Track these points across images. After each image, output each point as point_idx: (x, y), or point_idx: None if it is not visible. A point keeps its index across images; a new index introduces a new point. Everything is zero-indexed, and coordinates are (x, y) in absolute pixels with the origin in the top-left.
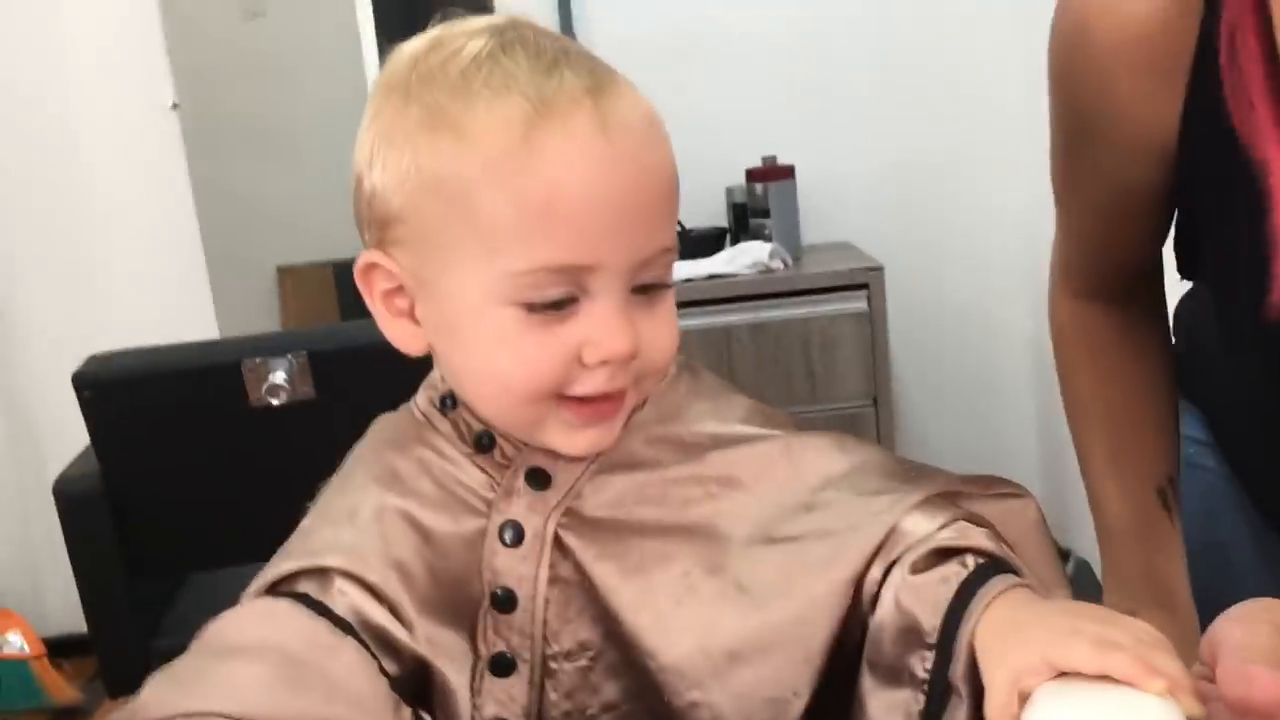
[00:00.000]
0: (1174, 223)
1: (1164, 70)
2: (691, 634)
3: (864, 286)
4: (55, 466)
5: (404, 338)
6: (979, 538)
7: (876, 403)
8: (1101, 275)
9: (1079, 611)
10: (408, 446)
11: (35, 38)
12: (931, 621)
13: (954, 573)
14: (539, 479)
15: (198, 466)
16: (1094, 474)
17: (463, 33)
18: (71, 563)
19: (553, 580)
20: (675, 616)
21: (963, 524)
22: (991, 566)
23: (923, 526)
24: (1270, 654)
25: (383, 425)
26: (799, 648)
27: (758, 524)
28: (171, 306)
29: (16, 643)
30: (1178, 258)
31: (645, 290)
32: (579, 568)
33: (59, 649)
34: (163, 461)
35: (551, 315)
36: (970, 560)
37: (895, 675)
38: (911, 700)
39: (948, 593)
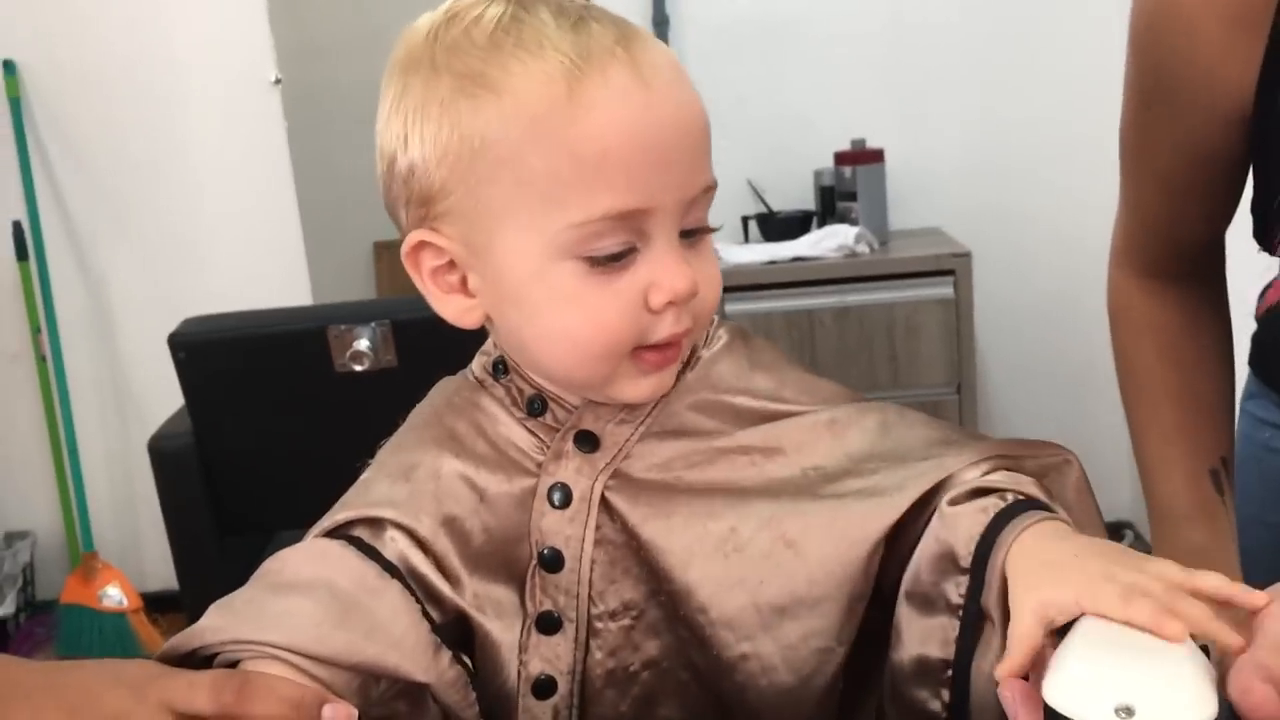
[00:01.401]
0: (1251, 192)
1: (1249, 20)
2: (742, 589)
3: (950, 273)
4: (152, 426)
5: (458, 312)
6: (1022, 482)
7: (960, 390)
8: (1163, 252)
9: (1113, 555)
10: (465, 409)
11: (142, 12)
12: (967, 548)
13: (991, 504)
14: (588, 441)
15: (284, 428)
16: (1148, 453)
17: (475, 2)
18: (165, 519)
19: (598, 542)
20: (725, 572)
21: (1007, 472)
22: (1029, 502)
23: (968, 474)
24: None
25: (442, 387)
26: (843, 599)
27: (802, 486)
28: (269, 277)
29: (116, 596)
30: (1255, 225)
31: (690, 235)
32: (626, 528)
33: (155, 604)
34: (251, 422)
35: (612, 267)
36: (1010, 495)
37: (931, 603)
38: (948, 626)
39: (984, 520)
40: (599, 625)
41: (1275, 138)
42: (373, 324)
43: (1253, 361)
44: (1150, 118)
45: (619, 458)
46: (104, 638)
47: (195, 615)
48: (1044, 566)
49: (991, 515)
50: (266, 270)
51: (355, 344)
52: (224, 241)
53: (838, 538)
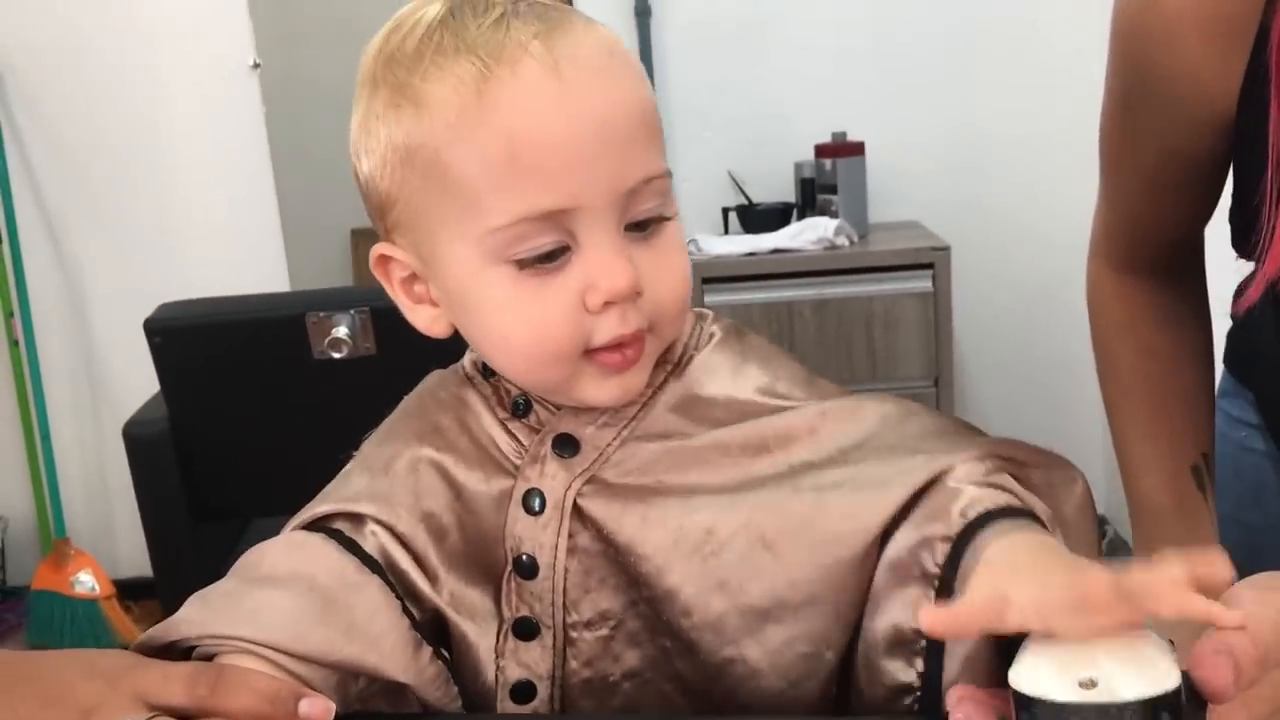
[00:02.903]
0: (1231, 197)
1: (1232, 32)
2: (723, 593)
3: (929, 266)
4: (127, 412)
5: (427, 322)
6: (1027, 497)
7: (938, 383)
8: (1142, 248)
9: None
10: (451, 404)
11: None
12: (956, 519)
13: (992, 496)
14: (568, 445)
15: (261, 415)
16: (1129, 448)
17: (419, 6)
18: (139, 505)
19: (572, 550)
20: (705, 575)
21: (1010, 479)
22: (1025, 512)
23: (967, 469)
24: (1273, 625)
25: (432, 381)
26: (829, 605)
27: (785, 481)
28: (246, 263)
29: (88, 582)
30: (1233, 235)
31: (642, 227)
32: (601, 535)
33: (128, 591)
34: (228, 409)
35: (544, 269)
36: (1005, 499)
37: (907, 569)
38: (920, 597)
39: (982, 502)
40: (574, 635)
41: (1255, 150)
42: (351, 311)
43: (1227, 360)
44: (1130, 118)
45: (598, 463)
46: (76, 624)
47: (168, 602)
48: (1024, 563)
49: (989, 505)
50: (243, 257)
51: (334, 331)
52: (201, 227)
53: (815, 539)
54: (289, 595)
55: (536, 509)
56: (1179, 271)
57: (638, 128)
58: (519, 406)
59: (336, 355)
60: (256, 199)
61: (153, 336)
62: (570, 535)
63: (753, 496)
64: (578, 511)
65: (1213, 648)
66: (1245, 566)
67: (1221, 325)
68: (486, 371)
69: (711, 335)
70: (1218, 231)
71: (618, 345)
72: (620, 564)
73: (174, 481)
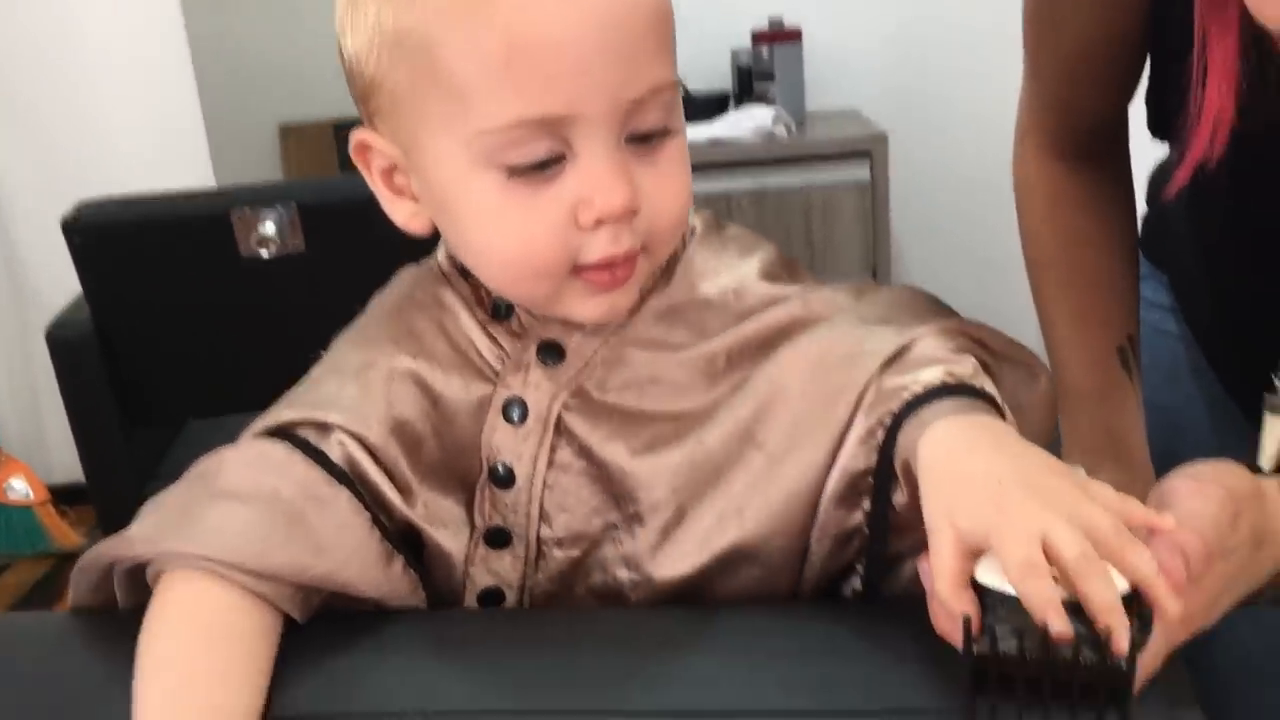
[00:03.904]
0: (1148, 79)
1: None
2: (714, 492)
3: (867, 154)
4: (51, 313)
5: (406, 217)
6: (982, 377)
7: (876, 273)
8: (1067, 133)
9: (1039, 480)
10: (427, 305)
11: None
12: (902, 398)
13: (939, 373)
14: (552, 352)
15: (189, 315)
16: (1056, 333)
17: None
18: (67, 409)
19: (552, 464)
20: (694, 480)
21: (972, 360)
22: (977, 391)
23: (931, 342)
24: (1216, 519)
25: (407, 279)
26: (808, 492)
27: (768, 387)
28: (167, 160)
29: (20, 488)
30: (1149, 116)
31: (645, 139)
32: (584, 450)
33: (63, 496)
34: (154, 309)
35: (537, 178)
36: (957, 377)
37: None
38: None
39: (927, 381)
40: (546, 550)
41: (1171, 31)
42: (278, 207)
43: (1143, 244)
44: (1050, 2)
45: (583, 373)
46: (11, 531)
47: (104, 507)
48: (961, 482)
49: (936, 381)
50: (165, 153)
51: (260, 228)
52: (118, 122)
53: (799, 426)
54: (252, 510)
55: (517, 419)
56: (1104, 154)
57: (647, 32)
58: (500, 309)
59: (265, 253)
60: (175, 92)
61: (71, 237)
62: (552, 449)
63: (739, 401)
64: (560, 425)
65: (1164, 545)
66: (1165, 446)
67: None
68: (465, 270)
69: (693, 230)
70: (1135, 115)
71: (608, 265)
72: (602, 482)
73: (102, 385)
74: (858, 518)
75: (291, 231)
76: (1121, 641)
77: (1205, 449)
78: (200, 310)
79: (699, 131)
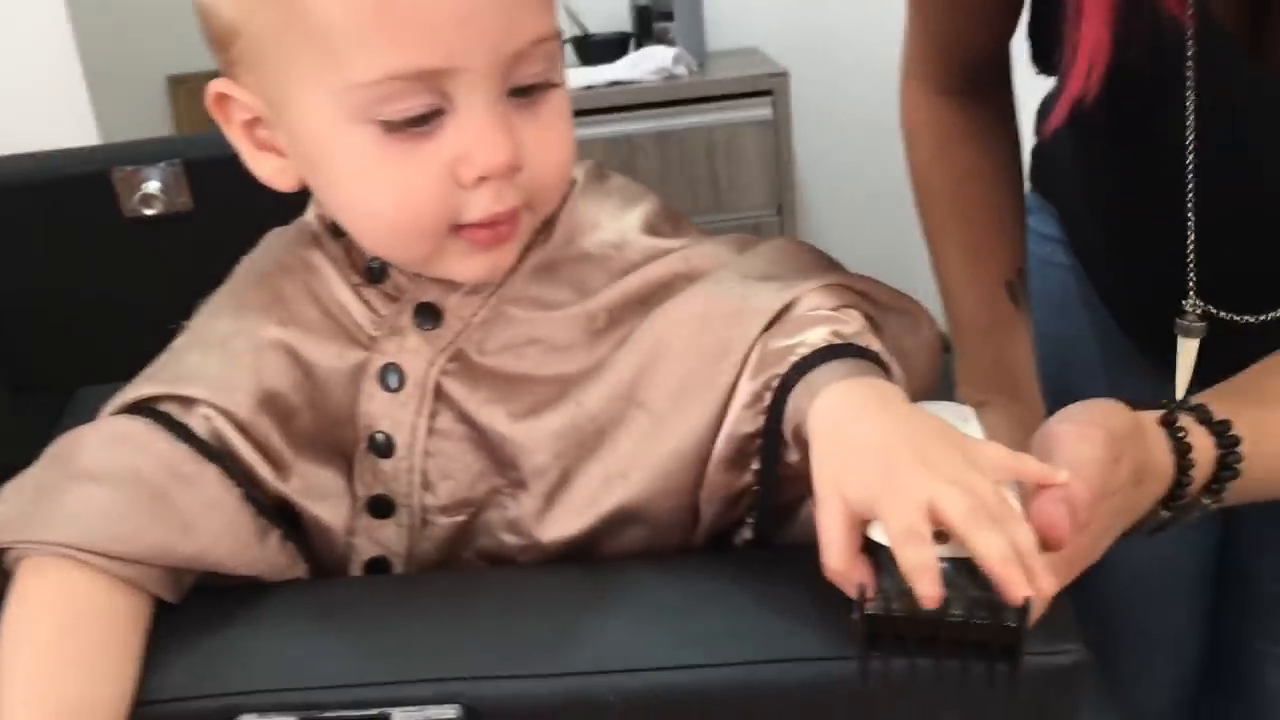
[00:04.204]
0: (1029, 12)
1: None
2: (596, 460)
3: (769, 93)
4: None
5: (272, 173)
6: (866, 333)
7: (781, 211)
8: (952, 70)
9: (926, 445)
10: (295, 269)
11: None
12: (788, 363)
13: (824, 335)
14: (430, 315)
15: (72, 279)
16: (947, 269)
17: None
18: None
19: (432, 431)
20: (578, 445)
21: (855, 314)
22: (863, 351)
23: (817, 299)
24: (1099, 464)
25: (273, 242)
26: (695, 453)
27: (651, 345)
28: (46, 116)
29: None
30: (1031, 51)
31: (526, 92)
32: (464, 416)
33: None
34: (37, 274)
35: (415, 134)
36: (843, 338)
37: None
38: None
39: (811, 345)
40: (430, 518)
41: None
42: (162, 164)
43: (1033, 177)
44: None
45: (462, 335)
46: None
47: None
48: (849, 451)
49: (822, 343)
50: (43, 110)
51: (144, 186)
52: None
53: (684, 386)
54: (112, 492)
55: (394, 385)
56: (989, 90)
57: None
58: (373, 271)
59: (149, 212)
60: (52, 43)
61: None
62: (431, 415)
63: (620, 360)
64: (439, 391)
65: (1050, 498)
66: (1057, 378)
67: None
68: (336, 230)
69: (573, 182)
70: (1020, 49)
71: (490, 223)
72: (484, 448)
73: None
74: (747, 479)
75: (177, 188)
76: (1014, 598)
77: (1096, 379)
78: (85, 273)
79: (599, 74)
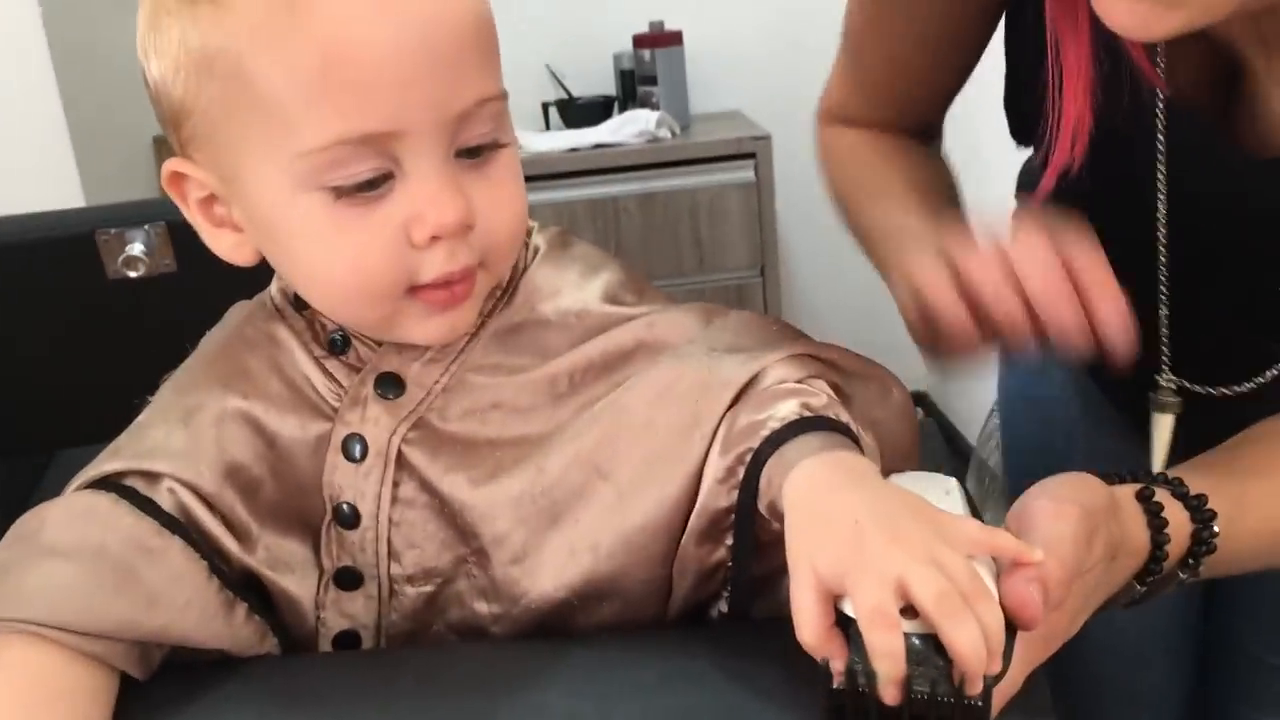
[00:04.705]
0: (1005, 85)
1: None
2: (557, 528)
3: (751, 156)
4: None
5: (230, 248)
6: (833, 404)
7: (764, 272)
8: (883, 121)
9: (901, 521)
10: (259, 342)
11: None
12: (759, 437)
13: (793, 408)
14: (392, 385)
15: (55, 341)
16: (881, 247)
17: None
18: None
19: (396, 500)
20: (536, 516)
21: (822, 384)
22: (833, 423)
23: (783, 372)
24: (1074, 541)
25: (237, 316)
26: (664, 526)
27: (615, 404)
28: (33, 178)
29: None
30: (1010, 123)
31: (475, 153)
32: (426, 485)
33: None
34: (19, 335)
35: (366, 198)
36: (811, 410)
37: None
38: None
39: (780, 421)
40: (398, 588)
41: (1025, 37)
42: (146, 226)
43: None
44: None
45: (424, 404)
46: None
47: None
48: (822, 525)
49: (793, 417)
50: (29, 170)
51: (128, 249)
52: None
53: (648, 461)
54: (77, 568)
55: (357, 455)
56: (918, 137)
57: (471, 42)
58: (336, 343)
59: (133, 274)
60: (40, 107)
61: None
62: (394, 484)
63: (583, 428)
64: (401, 459)
65: (1023, 577)
66: (1039, 440)
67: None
68: (299, 303)
69: (536, 249)
70: (1001, 116)
71: (445, 283)
72: (447, 516)
73: None
74: (720, 553)
75: (161, 250)
76: (975, 686)
77: (1076, 439)
78: (68, 334)
79: (584, 136)
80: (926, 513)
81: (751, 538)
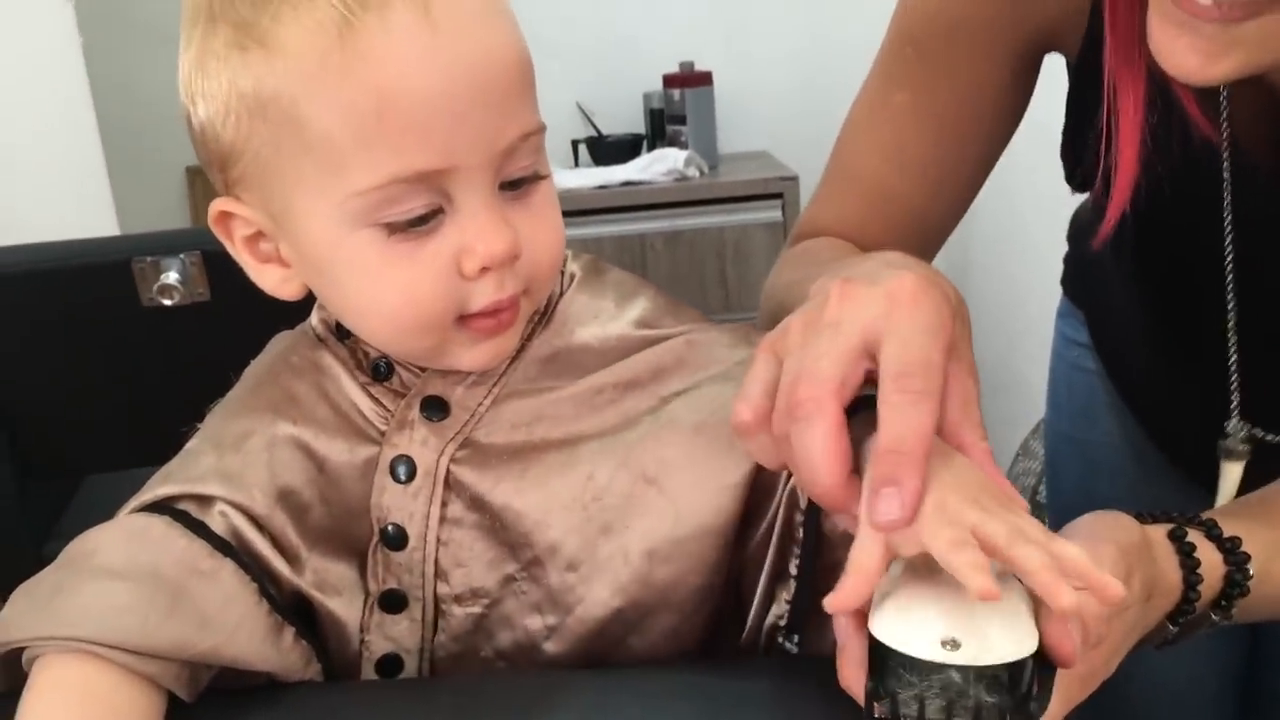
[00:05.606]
0: (1062, 135)
1: None
2: (609, 536)
3: (779, 196)
4: None
5: (276, 283)
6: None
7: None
8: (882, 233)
9: (971, 490)
10: (305, 369)
11: None
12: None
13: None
14: (437, 408)
15: (89, 367)
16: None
17: None
18: None
19: (444, 520)
20: (587, 523)
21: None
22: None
23: None
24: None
25: (281, 345)
26: (717, 532)
27: (660, 413)
28: (71, 207)
29: None
30: (1066, 170)
31: (517, 185)
32: (477, 503)
33: None
34: (53, 361)
35: (417, 233)
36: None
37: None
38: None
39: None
40: (445, 608)
41: (1088, 84)
42: (181, 255)
43: (1064, 281)
44: (924, 61)
45: (470, 425)
46: None
47: None
48: None
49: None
50: (68, 199)
51: (163, 277)
52: (19, 169)
53: (697, 468)
54: (131, 588)
55: (404, 477)
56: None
57: (515, 78)
58: (380, 369)
59: (168, 302)
60: (78, 138)
61: None
62: (443, 504)
63: (630, 434)
64: (450, 479)
65: (1062, 614)
66: (1083, 482)
67: (1055, 248)
68: (341, 332)
69: (572, 276)
70: (1055, 160)
71: (493, 311)
72: (497, 533)
73: None
74: (787, 560)
75: (196, 279)
76: (1062, 595)
77: (1122, 487)
78: (101, 361)
79: (612, 174)
80: (1001, 494)
81: (814, 534)
